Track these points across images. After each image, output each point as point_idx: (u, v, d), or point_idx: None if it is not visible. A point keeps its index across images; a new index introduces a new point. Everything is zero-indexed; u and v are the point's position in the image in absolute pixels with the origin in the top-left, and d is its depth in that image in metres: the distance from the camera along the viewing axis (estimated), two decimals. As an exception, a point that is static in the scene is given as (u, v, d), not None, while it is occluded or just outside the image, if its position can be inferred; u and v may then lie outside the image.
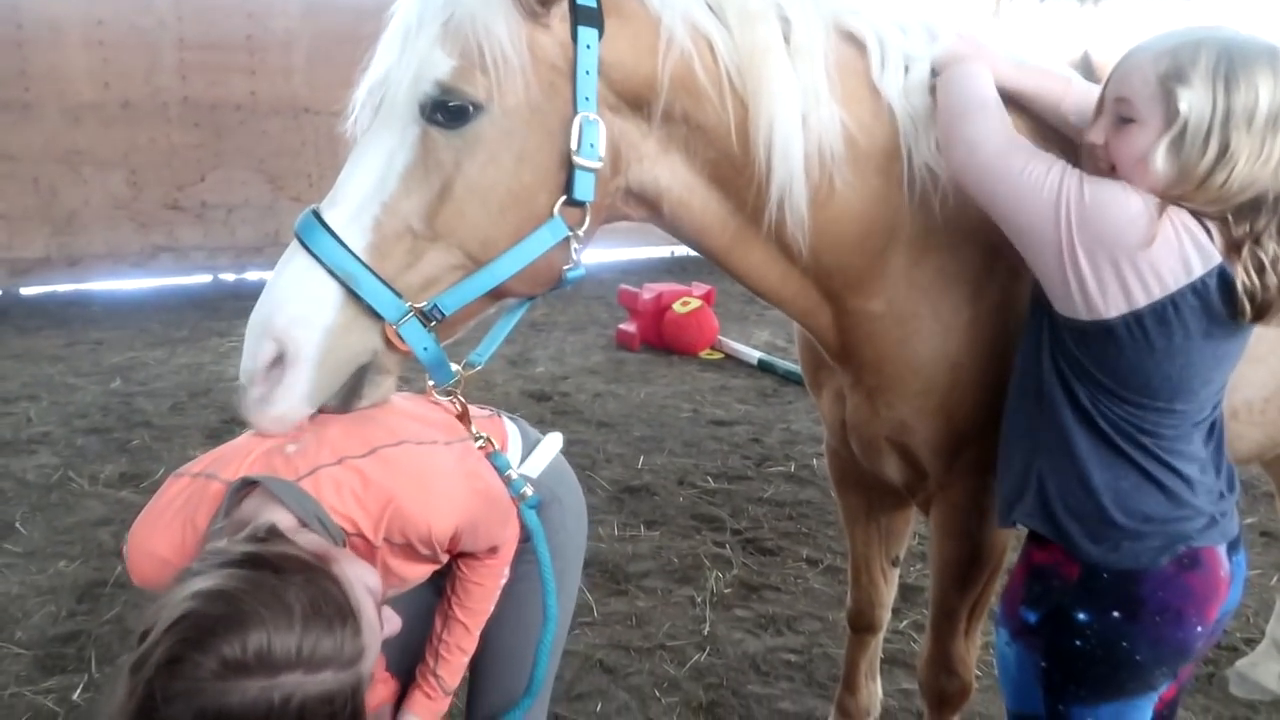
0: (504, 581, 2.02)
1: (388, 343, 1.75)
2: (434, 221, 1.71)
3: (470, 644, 2.04)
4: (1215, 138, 1.55)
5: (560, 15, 1.70)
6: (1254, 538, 4.68)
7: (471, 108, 1.68)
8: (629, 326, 7.97)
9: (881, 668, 3.16)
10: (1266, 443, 2.49)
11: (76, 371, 6.90)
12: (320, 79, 9.63)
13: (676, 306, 7.74)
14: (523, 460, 2.09)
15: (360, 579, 1.47)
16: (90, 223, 9.35)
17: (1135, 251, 1.58)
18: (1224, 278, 1.60)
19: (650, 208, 1.91)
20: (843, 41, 1.88)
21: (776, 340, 8.01)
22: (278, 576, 1.33)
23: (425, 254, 1.73)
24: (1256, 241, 1.59)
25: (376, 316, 1.71)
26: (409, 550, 1.78)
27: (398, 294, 1.71)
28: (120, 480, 5.04)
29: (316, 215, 1.71)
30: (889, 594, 2.92)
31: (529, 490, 1.98)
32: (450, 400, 1.96)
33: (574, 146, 1.71)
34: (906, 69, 1.89)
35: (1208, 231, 1.61)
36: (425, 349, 1.76)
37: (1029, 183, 1.65)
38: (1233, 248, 1.60)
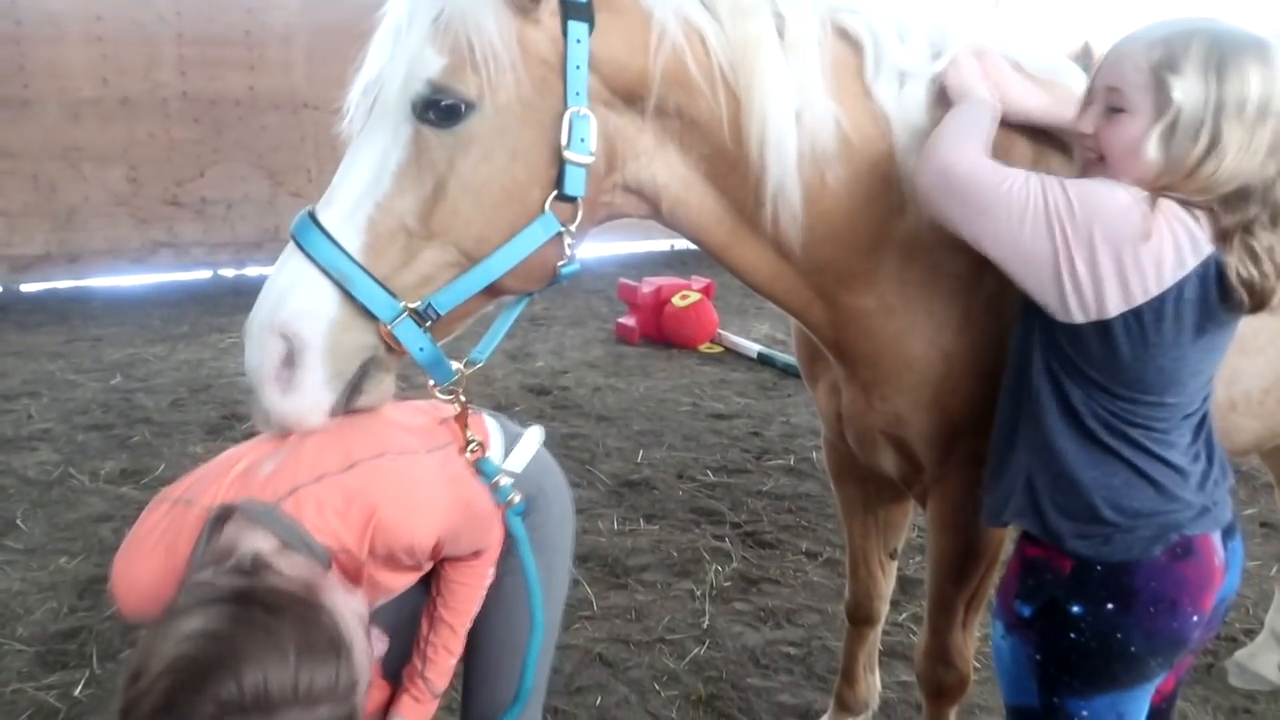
0: (489, 581, 2.02)
1: (383, 343, 1.76)
2: (428, 220, 1.71)
3: (457, 645, 2.04)
4: (1206, 128, 1.56)
5: (550, 10, 1.70)
6: (1254, 529, 4.68)
7: (463, 106, 1.68)
8: (628, 320, 7.97)
9: (880, 660, 3.17)
10: (1265, 434, 2.49)
11: (77, 368, 6.91)
12: (319, 74, 9.61)
13: (676, 300, 7.74)
14: (505, 456, 2.09)
15: (349, 607, 1.48)
16: (90, 219, 9.35)
17: (1135, 244, 1.58)
18: (1218, 268, 1.60)
19: (650, 205, 1.91)
20: (838, 39, 1.88)
21: (776, 333, 8.00)
22: (269, 613, 1.33)
23: (420, 252, 1.73)
24: (1248, 231, 1.59)
25: (371, 317, 1.72)
26: (392, 561, 1.78)
27: (392, 293, 1.71)
28: (121, 476, 5.04)
29: (311, 216, 1.71)
30: (887, 586, 2.92)
31: (516, 497, 1.99)
32: (450, 400, 1.95)
33: (565, 141, 1.71)
34: (902, 82, 1.89)
35: (1197, 221, 1.61)
36: (421, 349, 1.77)
37: (1012, 203, 1.63)
38: (1222, 237, 1.60)
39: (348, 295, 1.69)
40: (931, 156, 1.73)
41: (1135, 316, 1.61)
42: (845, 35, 1.88)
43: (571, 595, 3.77)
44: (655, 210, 1.92)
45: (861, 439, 2.33)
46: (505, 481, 1.98)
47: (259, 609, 1.33)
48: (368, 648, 1.48)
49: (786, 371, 6.90)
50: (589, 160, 1.74)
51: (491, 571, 2.01)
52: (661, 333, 7.80)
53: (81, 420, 5.86)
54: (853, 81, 1.88)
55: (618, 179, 1.84)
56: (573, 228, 1.79)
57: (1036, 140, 1.97)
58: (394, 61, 1.69)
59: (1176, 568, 1.72)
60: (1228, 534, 1.80)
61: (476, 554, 1.95)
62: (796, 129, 1.81)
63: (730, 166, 1.86)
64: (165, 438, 5.59)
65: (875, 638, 3.03)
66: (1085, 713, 1.80)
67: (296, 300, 1.69)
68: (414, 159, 1.71)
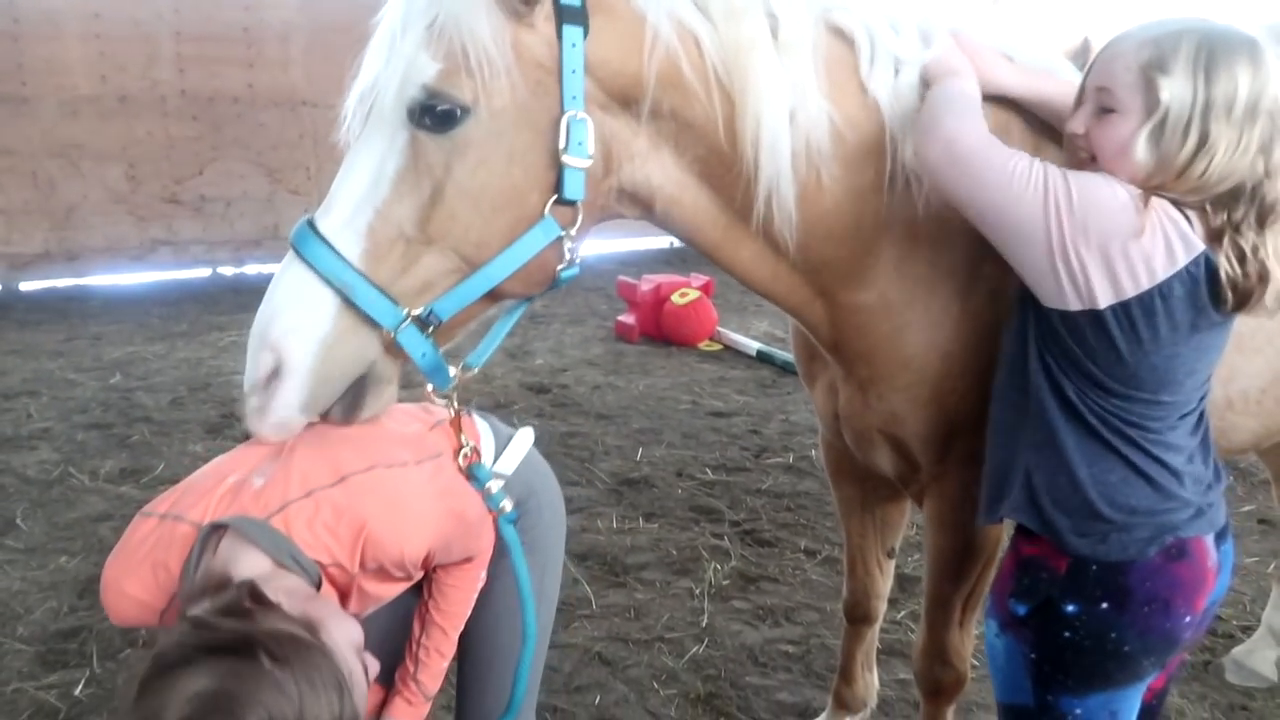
0: (481, 584, 2.02)
1: (386, 350, 1.76)
2: (427, 226, 1.71)
3: (449, 647, 2.04)
4: (1195, 127, 1.57)
5: (545, 15, 1.69)
6: (1251, 525, 4.69)
7: (459, 111, 1.67)
8: (628, 318, 7.98)
9: (878, 658, 3.17)
10: (1262, 432, 2.50)
11: (76, 367, 6.91)
12: (318, 71, 9.61)
13: (675, 298, 7.74)
14: (496, 458, 2.09)
15: (346, 638, 1.48)
16: (89, 217, 9.35)
17: (1125, 241, 1.59)
18: (1209, 266, 1.61)
19: (644, 206, 1.91)
20: (832, 37, 1.88)
21: (775, 331, 8.01)
22: (274, 663, 1.32)
23: (420, 259, 1.73)
24: (1236, 230, 1.61)
25: (374, 324, 1.72)
26: (383, 573, 1.79)
27: (394, 300, 1.71)
28: (120, 475, 5.05)
29: (310, 224, 1.71)
30: (885, 585, 2.93)
31: (508, 505, 1.99)
32: (446, 405, 1.95)
33: (562, 145, 1.71)
34: (897, 70, 1.89)
35: (1188, 220, 1.62)
36: (424, 355, 1.77)
37: (1014, 179, 1.64)
38: (1213, 237, 1.62)
39: (348, 304, 1.69)
40: (936, 130, 1.73)
41: (1124, 310, 1.62)
42: (839, 33, 1.88)
43: (570, 594, 3.81)
44: (649, 211, 1.92)
45: (859, 438, 2.33)
46: (497, 488, 1.98)
47: (265, 656, 1.32)
48: (365, 679, 1.49)
49: (785, 369, 6.90)
50: (587, 164, 1.74)
51: (484, 575, 2.01)
52: (661, 330, 7.80)
53: (81, 419, 5.87)
54: (848, 78, 1.88)
55: (614, 182, 1.84)
56: (572, 231, 1.79)
57: (1034, 129, 1.97)
58: (389, 68, 1.69)
59: (1171, 569, 1.73)
60: (1221, 536, 1.81)
61: (468, 559, 1.95)
62: (791, 129, 1.81)
63: (725, 168, 1.86)
64: (165, 436, 5.60)
65: (873, 636, 3.04)
66: (1079, 711, 1.81)
67: (290, 316, 1.69)
68: (411, 165, 1.71)
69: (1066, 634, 1.76)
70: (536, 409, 6.21)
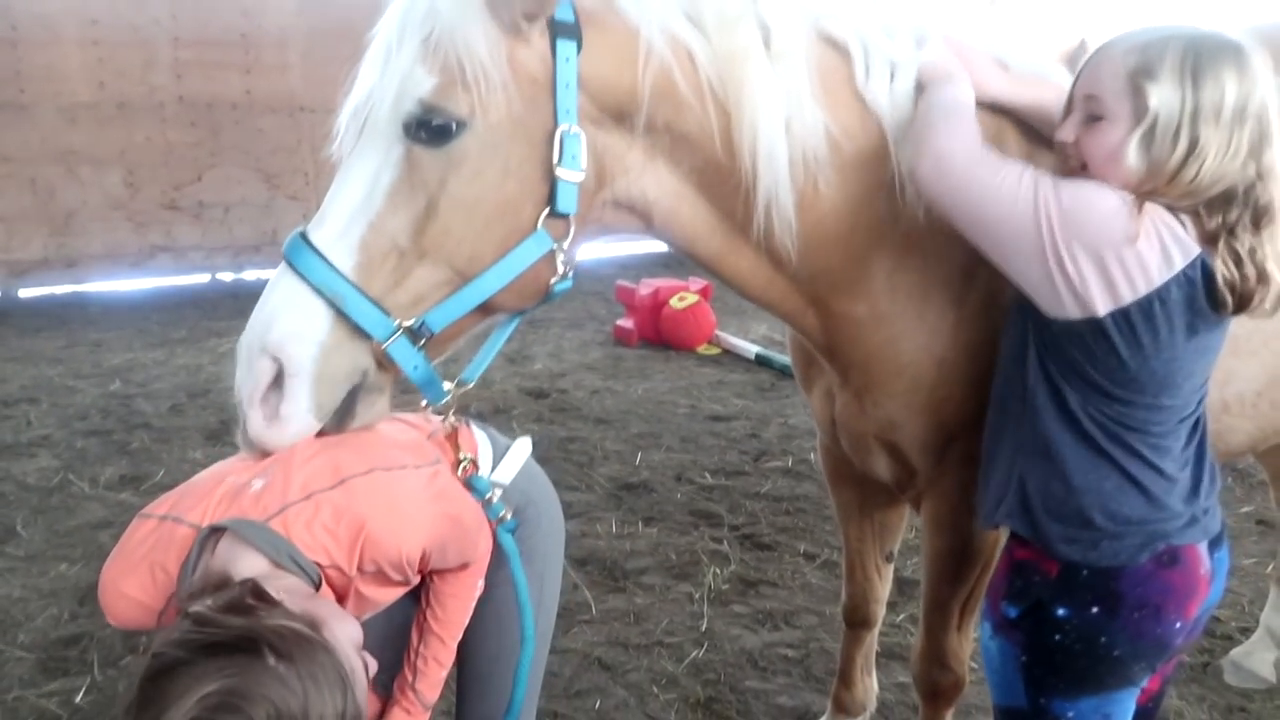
0: (479, 593, 2.03)
1: (378, 362, 1.77)
2: (420, 238, 1.72)
3: (447, 656, 2.05)
4: (1185, 133, 1.58)
5: (539, 29, 1.71)
6: (1250, 526, 4.70)
7: (454, 125, 1.68)
8: (626, 322, 7.99)
9: (878, 661, 3.18)
10: (1259, 435, 2.51)
11: (76, 373, 6.92)
12: (316, 76, 9.62)
13: (674, 302, 7.75)
14: (494, 468, 2.10)
15: (347, 635, 1.49)
16: (88, 223, 9.37)
17: (1119, 247, 1.60)
18: (1206, 269, 1.62)
19: (640, 219, 1.92)
20: (826, 46, 1.88)
21: (774, 334, 8.01)
22: (279, 658, 1.33)
23: (412, 271, 1.74)
24: (1231, 233, 1.62)
25: (365, 336, 1.73)
26: (381, 576, 1.79)
27: (386, 312, 1.72)
28: (120, 482, 5.06)
29: (303, 236, 1.72)
30: (884, 589, 2.93)
31: (507, 513, 2.00)
32: (443, 420, 1.96)
33: (556, 159, 1.72)
34: (893, 75, 1.90)
35: (1182, 225, 1.63)
36: (415, 368, 1.78)
37: (1005, 189, 1.65)
38: (1208, 240, 1.63)
39: (341, 315, 1.70)
40: (927, 143, 1.74)
41: (1124, 316, 1.63)
42: (832, 41, 1.89)
43: (570, 599, 3.81)
44: (647, 224, 1.93)
45: (856, 444, 2.34)
46: (496, 497, 1.99)
47: (270, 653, 1.33)
48: (365, 676, 1.49)
49: (784, 372, 6.90)
50: (580, 177, 1.75)
51: (481, 583, 2.02)
52: (659, 334, 7.81)
53: (81, 426, 5.87)
54: (842, 86, 1.89)
55: (607, 195, 1.85)
56: (565, 244, 1.80)
57: (1028, 137, 1.98)
58: (384, 81, 1.70)
59: (1162, 575, 1.74)
60: (1215, 544, 1.82)
61: (464, 566, 1.96)
62: (787, 138, 1.82)
63: (722, 178, 1.87)
64: (164, 443, 5.61)
65: (872, 640, 3.04)
66: (1071, 714, 1.82)
67: (287, 322, 1.70)
68: (405, 178, 1.72)
69: (1057, 637, 1.77)
70: (535, 414, 6.22)
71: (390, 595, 1.90)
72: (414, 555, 1.79)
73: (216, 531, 1.63)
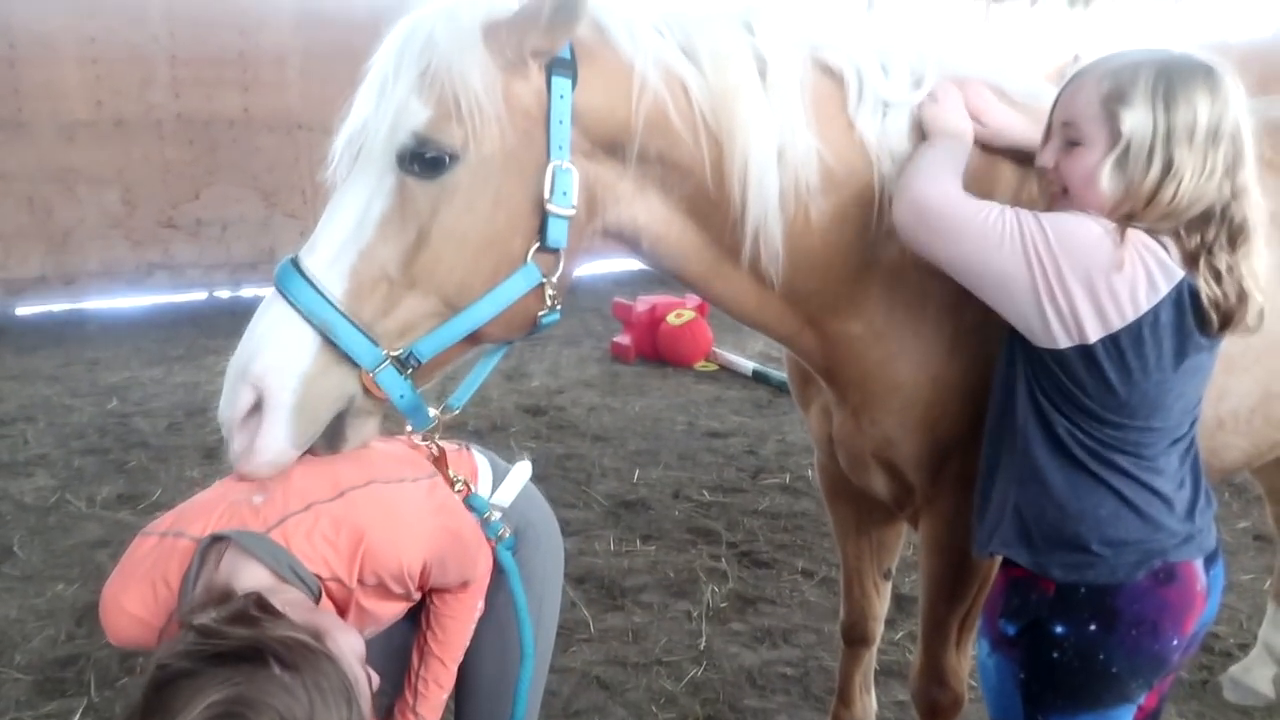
0: (479, 615, 2.04)
1: (366, 389, 1.77)
2: (410, 268, 1.74)
3: (448, 679, 2.05)
4: (1159, 155, 1.61)
5: (536, 65, 1.73)
6: (1246, 541, 4.71)
7: (448, 157, 1.70)
8: (623, 339, 7.99)
9: (876, 679, 3.17)
10: (1253, 452, 2.51)
11: (73, 392, 6.91)
12: (313, 93, 9.63)
13: (671, 318, 7.76)
14: (493, 490, 2.11)
15: (350, 647, 1.49)
16: (85, 241, 9.36)
17: (1107, 274, 1.62)
18: (1191, 291, 1.65)
19: (629, 245, 1.94)
20: (821, 74, 1.91)
21: (771, 351, 8.00)
22: (285, 669, 1.34)
23: (402, 300, 1.75)
24: (1209, 252, 1.65)
25: (353, 364, 1.73)
26: (382, 590, 1.80)
27: (374, 341, 1.73)
28: (118, 501, 5.05)
29: (294, 263, 1.73)
30: (882, 606, 2.93)
31: (506, 532, 2.01)
32: (427, 445, 1.97)
33: (547, 194, 1.74)
34: (884, 112, 1.92)
35: (1165, 249, 1.65)
36: (402, 396, 1.79)
37: (989, 230, 1.67)
38: (1189, 260, 1.65)
39: (329, 342, 1.71)
40: (905, 190, 1.77)
41: (1114, 342, 1.65)
42: (828, 70, 1.91)
43: (568, 617, 3.81)
44: (635, 248, 1.95)
45: (853, 461, 2.35)
46: (495, 517, 2.00)
47: (276, 663, 1.34)
48: (368, 687, 1.50)
49: (781, 389, 6.91)
50: (571, 212, 1.77)
51: (481, 604, 2.03)
52: (656, 351, 7.82)
53: (78, 445, 5.86)
54: (836, 115, 1.91)
55: (597, 224, 1.87)
56: (554, 278, 1.82)
57: (1020, 165, 2.00)
58: (379, 112, 1.71)
59: (1159, 592, 1.75)
60: (1211, 560, 1.83)
61: (464, 585, 1.97)
62: (779, 167, 1.84)
63: (713, 206, 1.89)
64: (162, 462, 5.60)
65: (871, 658, 3.04)
66: None
67: (271, 352, 1.71)
68: (398, 208, 1.73)
69: (1055, 654, 1.78)
70: (533, 431, 6.22)
71: (391, 610, 1.90)
72: (414, 566, 1.80)
73: (218, 542, 1.64)
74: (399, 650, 2.07)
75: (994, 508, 1.85)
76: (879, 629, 2.97)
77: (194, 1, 9.43)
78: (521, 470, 2.18)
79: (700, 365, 7.74)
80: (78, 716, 3.32)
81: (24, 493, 5.14)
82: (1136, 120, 1.61)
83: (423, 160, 1.70)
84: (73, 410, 6.52)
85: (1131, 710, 1.86)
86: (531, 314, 1.85)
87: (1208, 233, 1.64)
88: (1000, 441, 1.85)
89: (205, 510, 1.73)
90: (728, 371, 7.66)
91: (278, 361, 1.70)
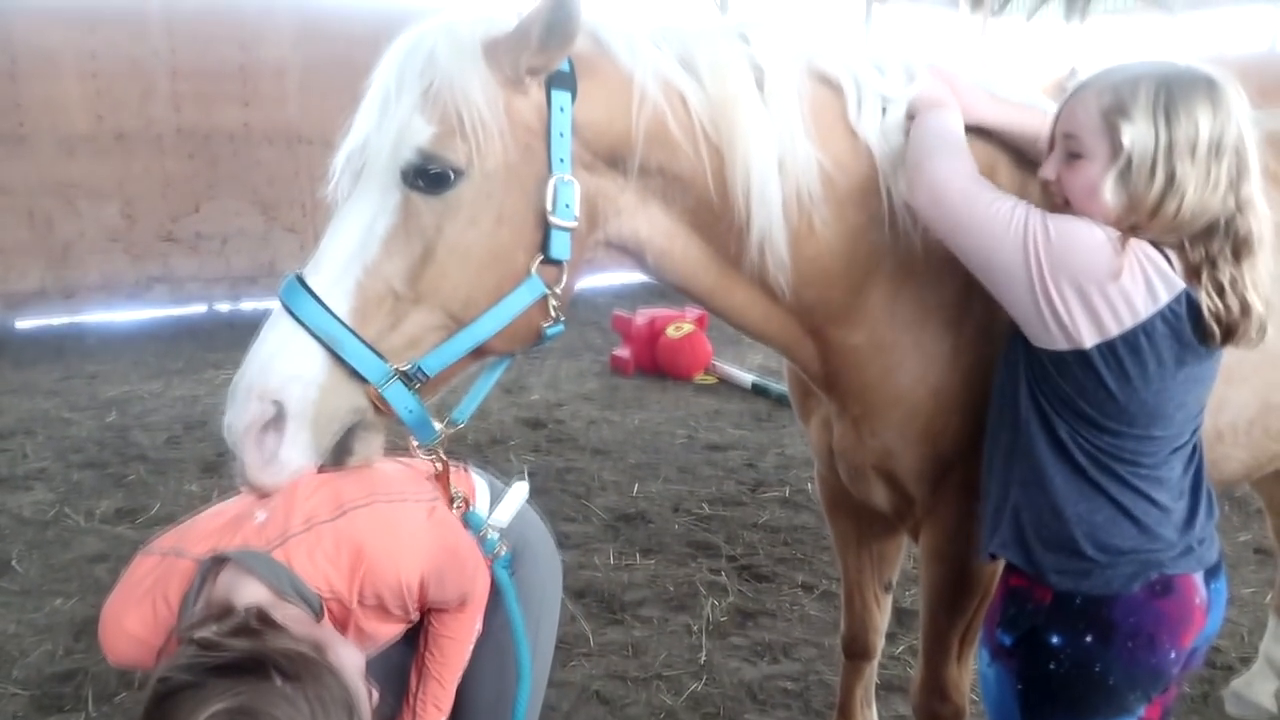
0: (477, 635, 2.03)
1: (372, 404, 1.78)
2: (416, 283, 1.74)
3: (446, 700, 2.04)
4: (1161, 168, 1.61)
5: (537, 80, 1.74)
6: (1248, 555, 4.70)
7: (452, 173, 1.71)
8: (623, 352, 8.00)
9: (877, 693, 3.16)
10: (1253, 463, 2.51)
11: (72, 405, 6.91)
12: (313, 107, 9.68)
13: (670, 331, 7.77)
14: (491, 510, 2.11)
15: (351, 661, 1.50)
16: (85, 255, 9.39)
17: (1104, 282, 1.62)
18: (1191, 303, 1.65)
19: (633, 257, 1.95)
20: (818, 83, 1.92)
21: (770, 363, 8.02)
22: (287, 680, 1.34)
23: (407, 316, 1.76)
24: (1213, 265, 1.65)
25: (360, 379, 1.74)
26: (381, 610, 1.80)
27: (381, 356, 1.74)
28: (116, 515, 5.04)
29: (300, 280, 1.74)
30: (882, 619, 2.92)
31: (503, 549, 2.01)
32: (433, 459, 1.97)
33: (549, 207, 1.75)
34: (884, 109, 1.93)
35: (1168, 259, 1.65)
36: (409, 410, 1.79)
37: (997, 221, 1.69)
38: (1192, 273, 1.66)
39: (336, 358, 1.72)
40: (923, 173, 1.77)
41: (1110, 349, 1.65)
42: (825, 80, 1.93)
43: (568, 631, 3.80)
44: (640, 262, 1.96)
45: (854, 473, 2.34)
46: (492, 534, 2.00)
47: (279, 675, 1.34)
48: (368, 702, 1.49)
49: (781, 402, 6.91)
50: (573, 224, 1.78)
51: (479, 625, 2.02)
52: (656, 364, 7.82)
53: (77, 458, 5.86)
54: (835, 123, 1.92)
55: (600, 236, 1.88)
56: (558, 290, 1.83)
57: (1020, 166, 2.01)
58: (382, 130, 1.72)
59: (1155, 604, 1.75)
60: (1212, 574, 1.82)
61: (463, 605, 1.96)
62: (780, 177, 1.85)
63: (715, 217, 1.89)
64: (161, 475, 5.59)
65: (872, 671, 3.03)
66: None
67: (284, 365, 1.71)
68: (402, 224, 1.74)
69: (1051, 665, 1.78)
70: (532, 444, 6.22)
71: (389, 631, 1.90)
72: (413, 583, 1.80)
73: (219, 561, 1.64)
74: (396, 670, 2.06)
75: (994, 510, 1.86)
76: (880, 642, 2.96)
77: (194, 16, 9.49)
78: (519, 491, 2.19)
79: (699, 378, 7.74)
80: (75, 732, 3.31)
81: (22, 507, 5.12)
82: (1137, 134, 1.62)
83: (427, 176, 1.71)
84: (72, 424, 6.51)
85: (1132, 721, 1.85)
86: (536, 326, 1.86)
87: (1212, 246, 1.65)
88: (1000, 444, 1.85)
89: (207, 529, 1.74)
90: (727, 384, 7.66)
91: (293, 375, 1.71)
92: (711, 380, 7.74)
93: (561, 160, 1.75)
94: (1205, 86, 1.63)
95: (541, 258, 1.78)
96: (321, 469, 1.78)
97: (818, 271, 1.95)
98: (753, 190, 1.83)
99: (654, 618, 4.11)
